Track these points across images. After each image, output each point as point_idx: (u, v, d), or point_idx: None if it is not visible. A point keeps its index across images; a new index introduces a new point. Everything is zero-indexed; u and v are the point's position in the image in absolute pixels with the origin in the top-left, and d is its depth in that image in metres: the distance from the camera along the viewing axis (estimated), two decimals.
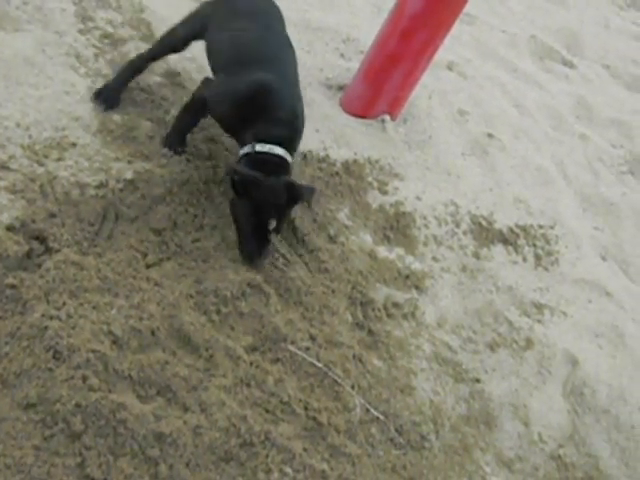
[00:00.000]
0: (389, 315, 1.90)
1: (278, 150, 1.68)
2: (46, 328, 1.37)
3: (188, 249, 1.76)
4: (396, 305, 1.93)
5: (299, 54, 1.98)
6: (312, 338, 1.69)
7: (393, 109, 2.55)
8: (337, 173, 2.22)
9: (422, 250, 2.15)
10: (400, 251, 2.11)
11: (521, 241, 2.36)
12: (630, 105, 3.58)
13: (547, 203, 2.58)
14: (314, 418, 1.52)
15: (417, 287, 2.03)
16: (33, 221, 1.60)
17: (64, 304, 1.45)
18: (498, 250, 2.29)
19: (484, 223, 2.35)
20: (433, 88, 2.82)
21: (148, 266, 1.68)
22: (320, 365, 1.63)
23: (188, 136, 1.94)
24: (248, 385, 1.51)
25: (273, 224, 1.68)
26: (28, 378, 1.31)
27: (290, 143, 1.73)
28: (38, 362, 1.33)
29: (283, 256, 1.83)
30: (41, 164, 1.74)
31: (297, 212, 1.92)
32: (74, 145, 1.83)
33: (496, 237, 2.33)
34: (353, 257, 1.96)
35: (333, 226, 2.03)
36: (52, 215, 1.65)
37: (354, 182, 2.23)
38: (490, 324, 2.03)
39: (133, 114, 2.00)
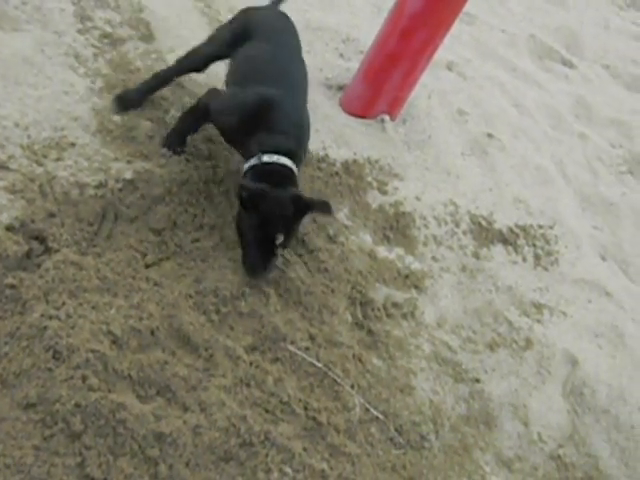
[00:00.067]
0: (389, 315, 1.90)
1: (285, 161, 1.66)
2: (45, 328, 1.37)
3: (187, 249, 1.76)
4: (396, 305, 1.93)
5: None
6: (312, 338, 1.68)
7: (393, 109, 2.55)
8: (337, 173, 2.22)
9: (422, 250, 2.15)
10: (400, 251, 2.11)
11: (521, 241, 2.36)
12: (629, 105, 3.58)
13: (547, 203, 2.58)
14: (314, 418, 1.52)
15: (417, 287, 2.03)
16: (32, 221, 1.60)
17: (63, 304, 1.45)
18: (498, 250, 2.29)
19: (484, 223, 2.35)
20: (433, 88, 2.82)
21: (147, 266, 1.68)
22: (320, 365, 1.63)
23: (188, 137, 1.94)
24: (248, 385, 1.51)
25: (281, 238, 1.63)
26: (28, 378, 1.30)
27: (296, 155, 1.71)
28: (38, 362, 1.33)
29: (282, 256, 1.83)
30: (40, 164, 1.74)
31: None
32: (73, 145, 1.83)
33: (496, 237, 2.33)
34: (353, 257, 1.96)
35: (333, 226, 2.03)
36: (51, 215, 1.64)
37: (354, 182, 2.23)
38: (490, 324, 2.03)
39: (132, 114, 2.00)
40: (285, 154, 1.67)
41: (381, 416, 1.63)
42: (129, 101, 1.97)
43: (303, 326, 1.70)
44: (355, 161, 2.31)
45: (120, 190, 1.77)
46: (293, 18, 2.07)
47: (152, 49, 2.28)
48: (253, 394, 1.50)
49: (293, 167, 1.68)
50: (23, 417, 1.26)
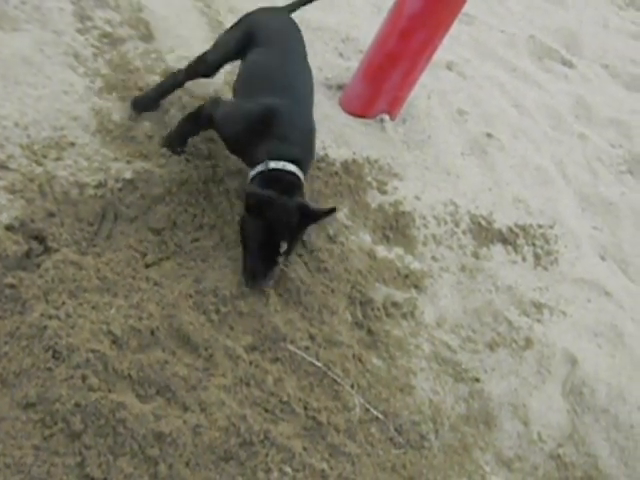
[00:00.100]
0: (388, 315, 1.90)
1: (292, 168, 1.65)
2: (45, 328, 1.37)
3: (187, 249, 1.76)
4: (395, 305, 1.93)
5: None
6: (311, 337, 1.68)
7: (392, 109, 2.55)
8: (336, 173, 2.22)
9: (421, 250, 2.15)
10: (399, 251, 2.11)
11: (520, 241, 2.37)
12: (629, 105, 3.59)
13: (546, 203, 2.58)
14: (314, 417, 1.52)
15: (416, 287, 2.03)
16: (32, 221, 1.60)
17: (63, 304, 1.45)
18: (497, 250, 2.29)
19: (483, 223, 2.35)
20: (432, 88, 2.82)
21: (147, 266, 1.68)
22: (319, 364, 1.63)
23: (189, 139, 1.94)
24: (247, 384, 1.51)
25: (284, 246, 1.61)
26: (27, 378, 1.30)
27: (303, 163, 1.70)
28: (37, 362, 1.33)
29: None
30: (40, 164, 1.74)
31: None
32: (73, 145, 1.83)
33: (495, 237, 2.33)
34: (352, 257, 1.96)
35: (332, 226, 2.03)
36: (51, 215, 1.64)
37: (353, 182, 2.23)
38: (489, 324, 2.03)
39: (132, 113, 2.00)
40: (292, 162, 1.66)
41: (381, 416, 1.63)
42: (144, 106, 1.99)
43: (303, 326, 1.70)
44: (355, 161, 2.31)
45: (120, 190, 1.77)
46: (292, 17, 2.07)
47: (152, 49, 2.28)
48: (253, 394, 1.50)
49: (300, 175, 1.67)
50: (23, 417, 1.26)
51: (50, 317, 1.40)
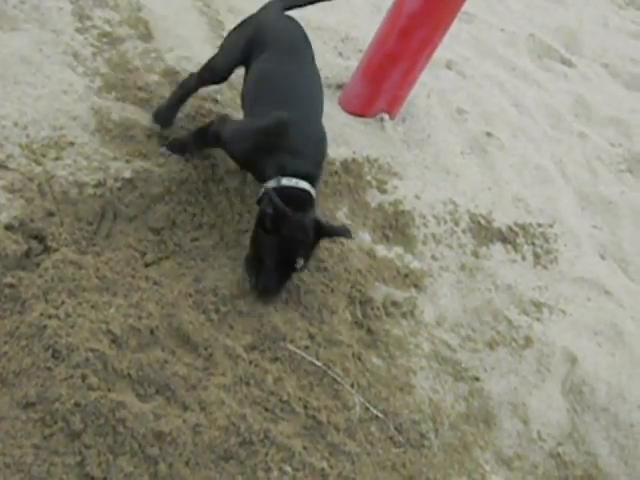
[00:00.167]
0: (388, 314, 1.90)
1: (304, 184, 1.64)
2: (45, 327, 1.37)
3: (187, 248, 1.76)
4: (395, 304, 1.93)
5: None
6: (311, 337, 1.68)
7: (392, 108, 2.54)
8: (336, 172, 2.22)
9: (421, 249, 2.15)
10: (399, 250, 2.11)
11: (520, 240, 2.37)
12: (629, 104, 3.58)
13: (546, 202, 2.58)
14: (313, 417, 1.52)
15: (416, 286, 2.03)
16: (31, 220, 1.60)
17: (63, 303, 1.45)
18: (497, 249, 2.29)
19: (483, 222, 2.35)
20: (432, 87, 2.82)
21: (147, 265, 1.68)
22: (319, 364, 1.63)
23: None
24: (247, 384, 1.51)
25: (301, 263, 1.63)
26: (27, 377, 1.30)
27: (315, 178, 1.69)
28: (37, 361, 1.33)
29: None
30: (39, 163, 1.74)
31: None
32: (72, 144, 1.83)
33: (495, 236, 2.33)
34: (352, 256, 1.96)
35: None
36: (50, 214, 1.64)
37: (353, 181, 2.23)
38: (489, 322, 2.04)
39: (131, 113, 2.00)
40: (304, 177, 1.65)
41: (381, 415, 1.63)
42: (165, 117, 1.97)
43: (302, 325, 1.70)
44: (354, 160, 2.31)
45: (119, 189, 1.77)
46: (292, 17, 2.07)
47: (151, 48, 2.28)
48: (253, 393, 1.50)
49: (312, 191, 1.66)
50: (23, 416, 1.26)
51: (50, 316, 1.40)
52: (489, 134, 2.75)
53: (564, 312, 2.18)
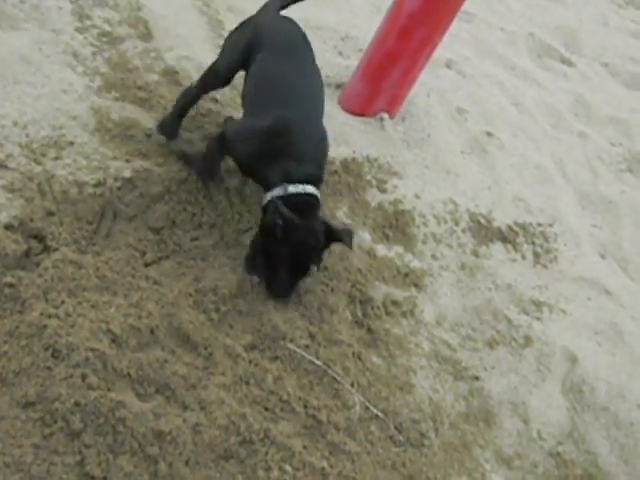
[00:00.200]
0: (388, 313, 1.90)
1: (311, 189, 1.64)
2: (45, 327, 1.37)
3: (187, 247, 1.76)
4: (395, 303, 1.93)
5: None
6: (311, 336, 1.68)
7: (392, 107, 2.54)
8: (336, 171, 2.22)
9: (421, 248, 2.15)
10: (399, 249, 2.11)
11: (520, 239, 2.37)
12: (628, 103, 3.58)
13: (546, 201, 2.58)
14: (313, 416, 1.52)
15: (416, 285, 2.03)
16: (31, 220, 1.60)
17: (63, 303, 1.45)
18: (497, 248, 2.29)
19: (483, 221, 2.35)
20: (432, 86, 2.82)
21: (147, 265, 1.68)
22: (319, 363, 1.63)
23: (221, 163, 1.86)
24: (247, 383, 1.51)
25: (314, 269, 1.66)
26: (27, 377, 1.30)
27: (319, 179, 1.69)
28: (37, 361, 1.33)
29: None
30: (39, 163, 1.74)
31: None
32: (72, 144, 1.83)
33: (495, 235, 2.33)
34: (352, 255, 1.96)
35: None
36: (50, 214, 1.64)
37: (353, 180, 2.23)
38: (489, 322, 2.04)
39: (131, 112, 2.00)
40: (309, 181, 1.64)
41: (381, 414, 1.63)
42: (170, 129, 1.93)
43: (302, 324, 1.70)
44: (354, 159, 2.30)
45: (119, 189, 1.77)
46: (292, 16, 2.07)
47: (151, 48, 2.28)
48: (253, 392, 1.50)
49: (318, 194, 1.66)
50: (22, 416, 1.26)
51: (49, 316, 1.40)
52: (489, 133, 2.75)
53: (564, 311, 2.18)
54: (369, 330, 1.82)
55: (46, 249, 1.58)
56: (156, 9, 2.44)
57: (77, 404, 1.28)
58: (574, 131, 3.12)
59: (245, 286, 1.69)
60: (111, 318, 1.45)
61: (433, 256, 2.15)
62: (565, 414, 1.90)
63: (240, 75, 1.95)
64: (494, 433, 1.78)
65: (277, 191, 1.62)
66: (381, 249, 2.07)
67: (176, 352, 1.49)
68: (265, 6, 2.04)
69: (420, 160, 2.47)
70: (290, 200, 1.60)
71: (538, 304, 2.16)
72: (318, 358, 1.63)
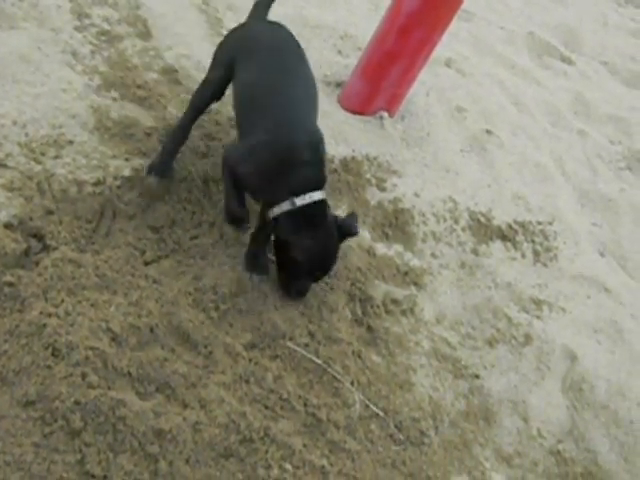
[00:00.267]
0: (388, 311, 1.90)
1: (317, 195, 1.62)
2: (45, 326, 1.37)
3: (186, 246, 1.76)
4: (395, 302, 1.93)
5: None
6: (311, 335, 1.69)
7: (391, 106, 2.54)
8: (335, 170, 2.22)
9: (421, 247, 2.15)
10: (399, 248, 2.11)
11: (520, 237, 2.37)
12: (628, 101, 3.58)
13: (546, 199, 2.58)
14: (313, 414, 1.52)
15: (416, 283, 2.03)
16: (31, 219, 1.60)
17: (62, 302, 1.45)
18: (497, 246, 2.29)
19: (482, 219, 2.35)
20: (431, 85, 2.82)
21: (146, 263, 1.68)
22: (319, 361, 1.63)
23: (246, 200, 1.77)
24: (247, 382, 1.51)
25: (334, 269, 1.73)
26: (27, 375, 1.30)
27: (323, 180, 1.67)
28: (37, 359, 1.33)
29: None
30: (38, 162, 1.73)
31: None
32: (71, 142, 1.82)
33: (495, 233, 2.33)
34: (352, 254, 1.96)
35: None
36: (50, 213, 1.64)
37: (352, 179, 2.23)
38: (489, 320, 2.04)
39: (130, 111, 2.00)
40: (315, 188, 1.62)
41: (381, 412, 1.63)
42: (160, 171, 1.81)
43: (302, 323, 1.70)
44: (354, 158, 2.30)
45: (118, 187, 1.77)
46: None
47: (150, 46, 2.28)
48: (253, 391, 1.50)
49: (324, 197, 1.65)
50: (23, 415, 1.26)
51: (49, 315, 1.40)
52: (489, 132, 2.75)
53: (564, 309, 2.18)
54: (369, 328, 1.82)
55: (45, 248, 1.58)
56: (155, 7, 2.43)
57: (77, 403, 1.28)
58: (574, 129, 3.12)
59: (245, 285, 1.69)
60: (111, 317, 1.45)
61: (433, 254, 2.15)
62: (565, 412, 1.90)
63: None
64: (494, 431, 1.78)
65: (284, 206, 1.60)
66: (381, 247, 2.07)
67: (176, 351, 1.49)
68: (250, 14, 1.99)
69: (420, 159, 2.47)
70: (300, 213, 1.60)
71: (538, 302, 2.16)
72: (318, 357, 1.64)
